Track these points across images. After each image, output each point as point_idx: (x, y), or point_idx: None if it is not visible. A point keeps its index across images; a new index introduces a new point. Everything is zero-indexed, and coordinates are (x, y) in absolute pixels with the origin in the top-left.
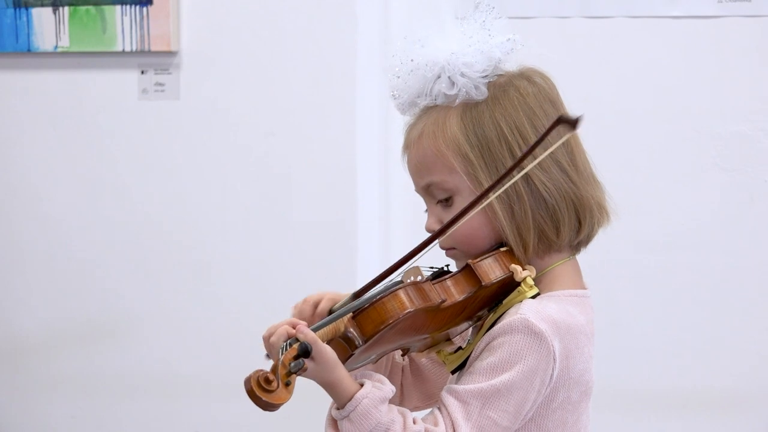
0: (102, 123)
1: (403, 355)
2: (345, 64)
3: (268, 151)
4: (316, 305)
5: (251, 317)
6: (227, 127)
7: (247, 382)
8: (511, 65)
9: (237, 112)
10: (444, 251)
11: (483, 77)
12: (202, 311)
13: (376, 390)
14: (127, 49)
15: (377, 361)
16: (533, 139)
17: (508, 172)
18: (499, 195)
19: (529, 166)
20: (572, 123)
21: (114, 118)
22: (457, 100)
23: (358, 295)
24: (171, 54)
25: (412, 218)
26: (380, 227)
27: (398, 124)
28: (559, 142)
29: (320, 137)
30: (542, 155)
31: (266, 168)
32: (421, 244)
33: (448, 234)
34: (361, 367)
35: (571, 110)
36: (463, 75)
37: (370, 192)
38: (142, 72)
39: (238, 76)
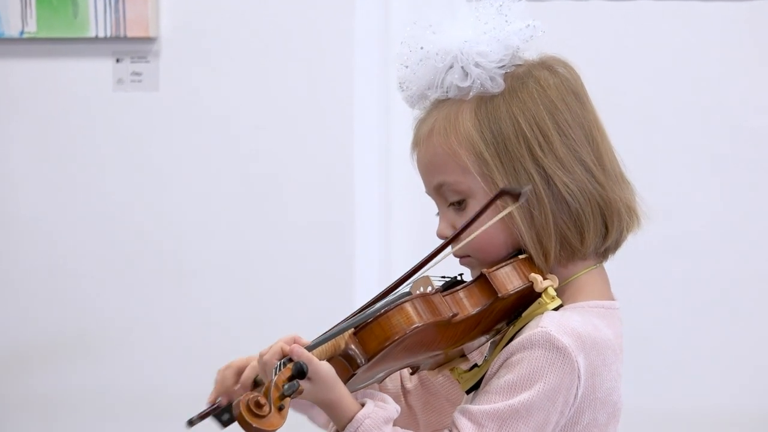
0: (73, 116)
1: (412, 374)
2: (342, 51)
3: (257, 147)
4: (240, 372)
5: (238, 328)
6: (211, 120)
7: (236, 406)
8: (530, 54)
9: (222, 104)
10: (458, 259)
11: (499, 67)
12: (184, 322)
13: (379, 410)
14: (101, 35)
15: (383, 380)
16: (554, 135)
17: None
18: None
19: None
20: (514, 196)
21: (86, 111)
22: (471, 93)
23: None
24: (149, 40)
25: (417, 220)
26: (380, 231)
27: (400, 117)
28: (501, 215)
29: (314, 131)
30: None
31: (255, 166)
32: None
33: (462, 244)
34: (364, 387)
35: (596, 103)
36: (477, 65)
37: (369, 192)
38: (118, 60)
39: (223, 64)
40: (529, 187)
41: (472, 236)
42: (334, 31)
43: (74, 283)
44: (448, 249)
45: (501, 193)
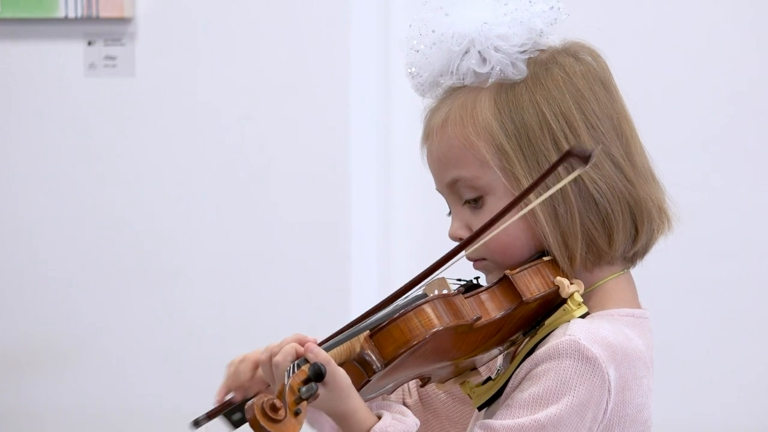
0: (40, 104)
1: (422, 385)
2: (337, 33)
3: (244, 139)
4: (256, 366)
5: (226, 337)
6: (193, 110)
7: (250, 409)
8: (554, 39)
9: (206, 92)
10: (471, 262)
11: (521, 52)
12: (165, 330)
13: (397, 423)
14: (71, 14)
15: (393, 392)
16: (582, 127)
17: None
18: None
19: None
20: (584, 158)
21: (55, 98)
22: (490, 80)
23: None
24: (124, 21)
25: (419, 219)
26: (379, 231)
27: (401, 105)
28: (568, 179)
29: (307, 122)
30: (546, 193)
31: (242, 160)
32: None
33: (480, 243)
34: (373, 399)
35: (624, 93)
36: (497, 50)
37: (367, 188)
38: (89, 43)
39: (206, 47)
40: (600, 148)
41: (492, 234)
42: (328, 11)
43: (44, 285)
44: (464, 251)
45: (568, 154)
